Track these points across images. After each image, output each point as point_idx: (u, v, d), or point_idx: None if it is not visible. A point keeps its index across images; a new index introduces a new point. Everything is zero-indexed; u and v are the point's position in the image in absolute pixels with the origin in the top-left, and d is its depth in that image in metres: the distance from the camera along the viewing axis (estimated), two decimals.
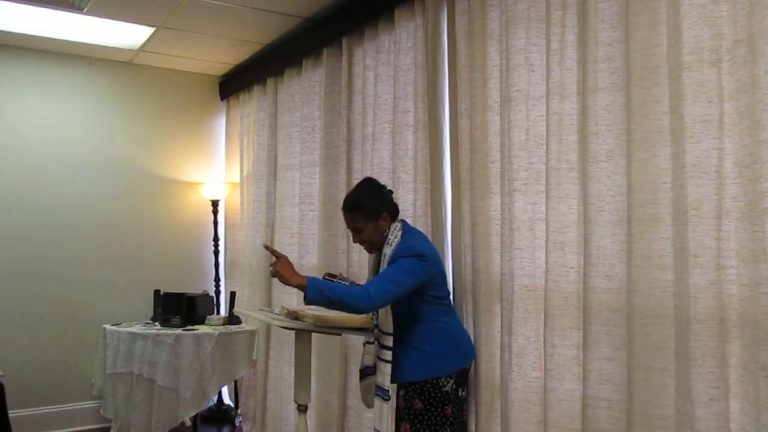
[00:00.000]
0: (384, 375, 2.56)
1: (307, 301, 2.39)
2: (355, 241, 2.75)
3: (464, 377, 2.65)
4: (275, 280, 4.44)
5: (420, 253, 2.54)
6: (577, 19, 2.37)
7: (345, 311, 2.46)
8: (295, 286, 2.41)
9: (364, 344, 2.83)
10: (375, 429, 2.62)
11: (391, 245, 2.61)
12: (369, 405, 2.82)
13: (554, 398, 2.39)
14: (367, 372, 2.78)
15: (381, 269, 2.61)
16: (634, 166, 2.09)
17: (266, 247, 2.73)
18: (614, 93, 2.22)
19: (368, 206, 2.65)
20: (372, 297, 2.39)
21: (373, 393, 2.71)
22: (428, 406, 2.55)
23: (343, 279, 2.91)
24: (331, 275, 2.92)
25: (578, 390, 2.32)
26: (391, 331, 2.55)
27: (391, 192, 2.80)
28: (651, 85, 2.06)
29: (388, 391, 2.55)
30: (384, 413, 2.56)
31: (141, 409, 4.14)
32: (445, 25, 3.06)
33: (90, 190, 4.85)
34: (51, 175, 4.72)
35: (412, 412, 2.56)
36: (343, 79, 3.77)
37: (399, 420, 2.60)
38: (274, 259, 2.53)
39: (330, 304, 2.42)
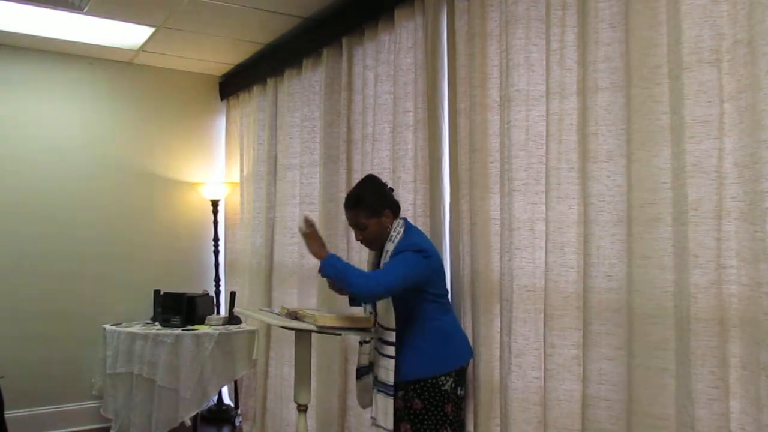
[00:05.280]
0: (387, 370, 2.55)
1: (322, 273, 2.54)
2: (357, 239, 2.74)
3: (462, 376, 2.65)
4: (275, 281, 4.50)
5: (422, 249, 2.56)
6: (577, 19, 2.37)
7: (352, 290, 2.54)
8: (314, 255, 2.57)
9: (360, 343, 2.82)
10: (378, 425, 2.60)
11: (393, 242, 2.61)
12: (364, 405, 2.81)
13: (554, 398, 2.39)
14: (362, 371, 2.78)
15: (382, 265, 2.61)
16: (634, 166, 2.09)
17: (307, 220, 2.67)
18: (614, 93, 2.22)
19: (371, 202, 2.65)
20: (379, 281, 2.48)
21: (369, 393, 2.70)
22: (428, 406, 2.55)
23: None
24: None
25: (578, 390, 2.32)
26: (392, 326, 2.55)
27: (392, 190, 2.80)
28: (651, 85, 2.06)
29: (391, 386, 2.54)
30: (389, 409, 2.55)
31: (141, 409, 4.14)
32: (444, 25, 3.06)
33: (90, 190, 4.85)
34: (51, 174, 4.72)
35: (411, 412, 2.56)
36: (343, 79, 3.77)
37: (398, 420, 2.59)
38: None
39: (338, 278, 2.52)
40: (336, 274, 2.50)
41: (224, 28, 4.24)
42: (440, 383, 2.55)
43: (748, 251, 1.80)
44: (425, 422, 2.55)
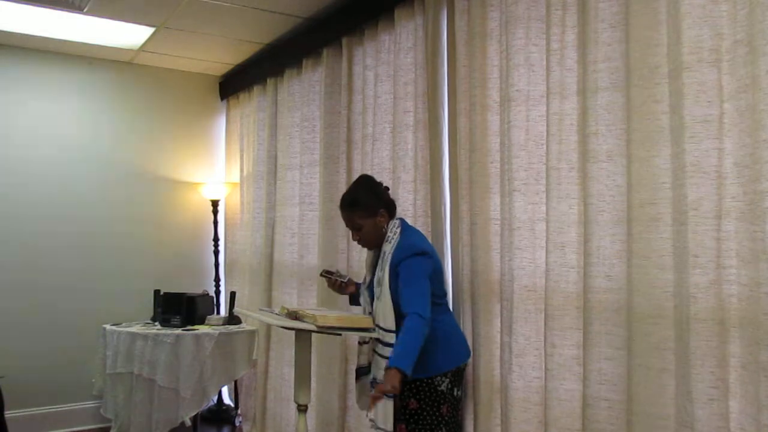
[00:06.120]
0: None
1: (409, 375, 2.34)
2: (354, 239, 2.75)
3: (459, 377, 2.65)
4: (275, 280, 4.50)
5: (423, 251, 2.57)
6: (577, 19, 2.37)
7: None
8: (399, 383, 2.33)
9: (359, 343, 2.82)
10: (378, 427, 2.59)
11: (390, 242, 2.61)
12: (363, 407, 2.81)
13: (554, 398, 2.39)
14: (362, 372, 2.78)
15: (380, 267, 2.61)
16: (634, 166, 2.10)
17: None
18: (614, 93, 2.22)
19: (366, 203, 2.66)
20: (423, 316, 2.42)
21: (368, 394, 2.69)
22: (424, 406, 2.55)
23: (341, 276, 2.91)
24: (328, 272, 2.92)
25: (578, 390, 2.32)
26: (393, 327, 2.54)
27: (387, 189, 2.80)
28: (651, 85, 2.06)
29: None
30: (389, 411, 2.54)
31: (141, 409, 4.14)
32: (444, 25, 3.06)
33: (89, 190, 4.85)
34: (51, 174, 4.72)
35: (407, 412, 2.56)
36: (343, 79, 3.77)
37: (394, 420, 2.58)
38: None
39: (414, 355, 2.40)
40: (413, 360, 2.35)
41: (224, 28, 4.24)
42: (436, 383, 2.55)
43: (748, 251, 1.80)
44: (420, 422, 2.55)
